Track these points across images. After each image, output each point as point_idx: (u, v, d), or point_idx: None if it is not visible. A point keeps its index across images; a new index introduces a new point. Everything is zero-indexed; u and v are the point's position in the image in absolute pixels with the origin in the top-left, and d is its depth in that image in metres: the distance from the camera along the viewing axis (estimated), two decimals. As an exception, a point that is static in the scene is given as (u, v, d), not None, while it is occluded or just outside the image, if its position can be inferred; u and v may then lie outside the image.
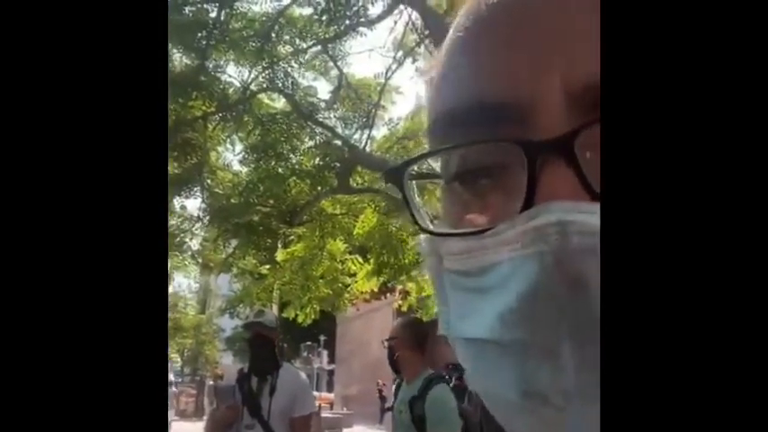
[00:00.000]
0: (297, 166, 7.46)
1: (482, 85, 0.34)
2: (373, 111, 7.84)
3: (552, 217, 0.30)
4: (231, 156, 20.64)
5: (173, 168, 6.97)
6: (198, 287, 32.59)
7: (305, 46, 7.31)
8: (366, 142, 7.84)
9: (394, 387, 3.33)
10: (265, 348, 3.13)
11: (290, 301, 8.92)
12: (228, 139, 8.08)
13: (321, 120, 7.57)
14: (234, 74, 7.49)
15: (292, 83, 7.29)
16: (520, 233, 0.31)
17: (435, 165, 0.38)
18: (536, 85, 0.32)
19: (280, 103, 7.81)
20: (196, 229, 8.97)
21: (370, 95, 7.90)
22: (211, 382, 12.51)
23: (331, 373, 27.48)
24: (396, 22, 7.94)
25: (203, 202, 8.11)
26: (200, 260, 10.77)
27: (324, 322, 16.09)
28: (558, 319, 0.30)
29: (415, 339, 2.94)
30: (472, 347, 0.35)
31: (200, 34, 6.53)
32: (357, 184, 7.60)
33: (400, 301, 10.51)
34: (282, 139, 7.33)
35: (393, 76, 7.93)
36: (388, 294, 14.43)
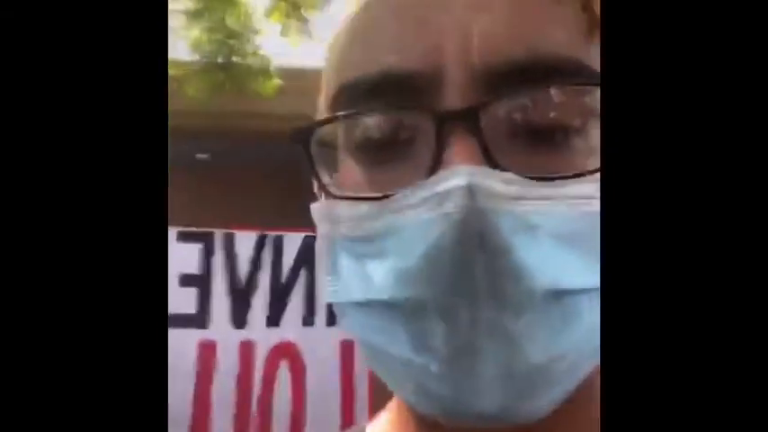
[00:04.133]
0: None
1: (390, 56, 0.35)
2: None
3: (461, 180, 0.31)
4: None
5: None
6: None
7: None
8: None
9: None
10: None
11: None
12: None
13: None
14: None
15: None
16: (427, 196, 0.32)
17: (339, 132, 0.38)
18: (443, 58, 0.33)
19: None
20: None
21: None
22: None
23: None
24: None
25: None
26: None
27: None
28: (458, 278, 0.31)
29: None
30: (362, 310, 0.36)
31: None
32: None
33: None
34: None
35: None
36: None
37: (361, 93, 0.36)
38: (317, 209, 0.39)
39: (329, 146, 0.38)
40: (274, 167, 3.46)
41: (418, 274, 0.32)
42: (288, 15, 3.71)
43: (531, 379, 0.34)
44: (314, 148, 0.37)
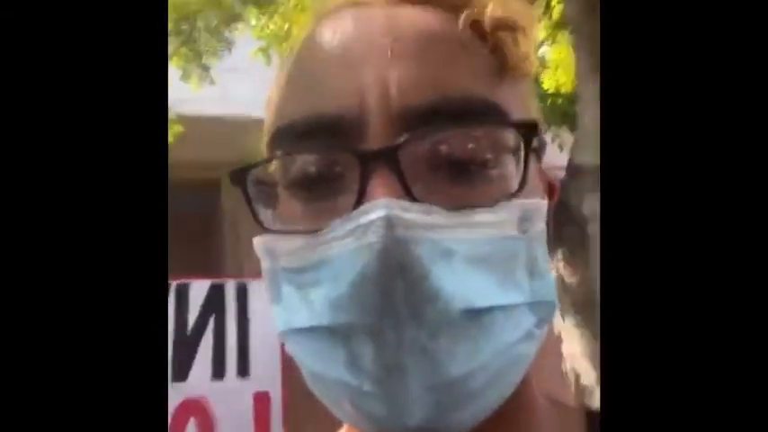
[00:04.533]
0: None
1: (319, 102, 0.39)
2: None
3: (381, 212, 0.35)
4: None
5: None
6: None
7: None
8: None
9: None
10: None
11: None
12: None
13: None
14: None
15: None
16: (352, 228, 0.36)
17: (275, 171, 0.41)
18: (365, 102, 0.38)
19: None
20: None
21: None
22: None
23: None
24: None
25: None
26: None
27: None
28: (383, 303, 0.35)
29: None
30: (304, 335, 0.39)
31: None
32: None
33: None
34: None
35: None
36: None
37: (294, 135, 0.39)
38: (259, 243, 0.41)
39: (268, 184, 0.41)
40: (178, 215, 3.02)
41: (348, 301, 0.36)
42: (188, 60, 3.67)
43: (452, 393, 0.37)
44: (251, 188, 0.40)
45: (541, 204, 0.40)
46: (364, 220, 0.35)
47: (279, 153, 0.40)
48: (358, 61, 0.39)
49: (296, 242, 0.38)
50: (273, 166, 0.41)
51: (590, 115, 2.08)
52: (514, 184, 0.38)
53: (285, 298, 0.40)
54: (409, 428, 0.37)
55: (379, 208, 0.35)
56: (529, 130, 0.38)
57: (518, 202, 0.38)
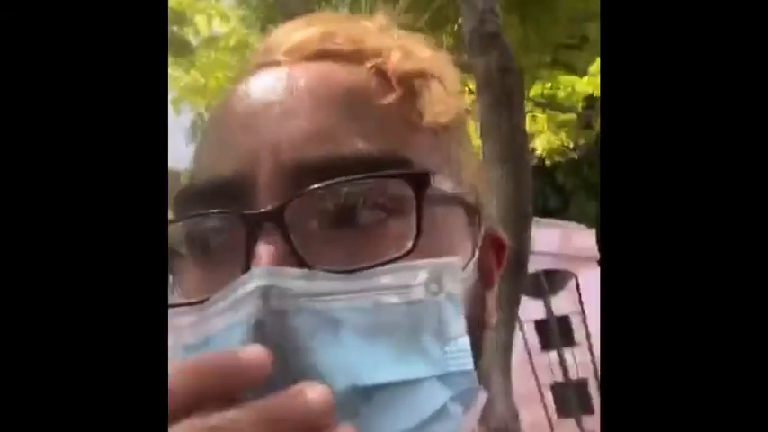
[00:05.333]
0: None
1: (220, 163, 0.37)
2: None
3: (256, 283, 0.32)
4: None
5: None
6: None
7: None
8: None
9: None
10: None
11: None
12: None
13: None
14: None
15: None
16: (231, 302, 0.33)
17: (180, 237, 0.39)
18: (256, 162, 0.36)
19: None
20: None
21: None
22: None
23: None
24: None
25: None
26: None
27: None
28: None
29: None
30: None
31: None
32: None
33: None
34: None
35: None
36: None
37: (195, 198, 0.37)
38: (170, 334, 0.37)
39: (176, 254, 0.39)
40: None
41: None
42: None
43: None
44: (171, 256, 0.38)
45: (453, 263, 0.36)
46: (241, 291, 0.33)
47: (176, 218, 0.38)
48: (257, 121, 0.37)
49: (189, 317, 0.36)
50: (178, 229, 0.38)
51: (494, 204, 2.20)
52: (410, 243, 0.35)
53: None
54: None
55: (255, 278, 0.32)
56: (420, 180, 0.36)
57: (425, 262, 0.35)
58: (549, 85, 4.98)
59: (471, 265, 0.39)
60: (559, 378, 5.53)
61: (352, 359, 0.32)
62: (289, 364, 0.31)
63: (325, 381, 0.31)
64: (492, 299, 0.43)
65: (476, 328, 0.39)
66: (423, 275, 0.34)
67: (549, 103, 5.04)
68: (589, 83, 4.82)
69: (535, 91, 4.88)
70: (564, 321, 6.38)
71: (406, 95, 0.39)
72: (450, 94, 0.41)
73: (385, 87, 0.39)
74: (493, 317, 0.43)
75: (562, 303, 6.29)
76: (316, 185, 0.35)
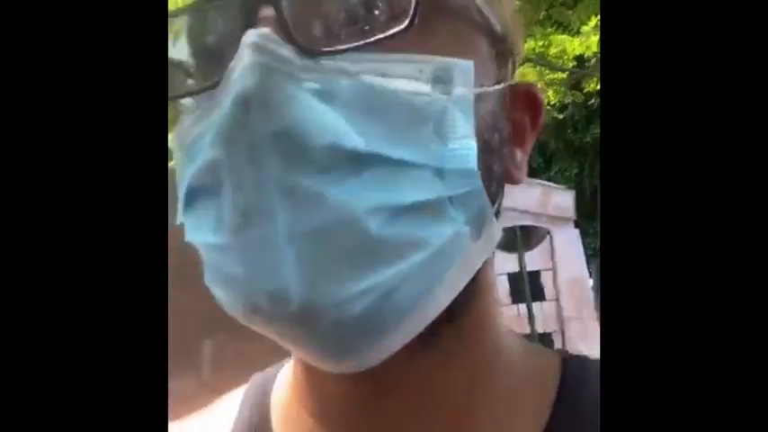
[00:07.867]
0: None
1: None
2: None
3: (251, 38, 0.31)
4: None
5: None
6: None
7: None
8: None
9: None
10: None
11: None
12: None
13: None
14: None
15: None
16: (225, 75, 0.32)
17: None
18: None
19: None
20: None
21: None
22: None
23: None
24: None
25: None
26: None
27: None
28: (241, 135, 0.30)
29: None
30: (192, 208, 0.35)
31: None
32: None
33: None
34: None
35: None
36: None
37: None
38: (173, 136, 0.37)
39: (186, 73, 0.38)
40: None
41: (215, 138, 0.32)
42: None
43: (329, 246, 0.31)
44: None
45: (464, 65, 0.34)
46: (236, 62, 0.31)
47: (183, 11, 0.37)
48: None
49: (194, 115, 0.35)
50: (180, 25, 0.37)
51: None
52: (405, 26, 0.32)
53: (184, 177, 0.35)
54: (274, 294, 0.31)
55: (252, 36, 0.31)
56: None
57: (432, 57, 0.33)
58: (540, 43, 4.95)
59: (495, 92, 0.37)
60: (526, 330, 5.68)
61: (338, 124, 0.31)
62: (267, 117, 0.30)
63: (302, 134, 0.30)
64: (524, 160, 0.41)
65: (499, 175, 0.38)
66: (429, 70, 0.33)
67: (539, 60, 5.00)
68: (581, 43, 4.80)
69: (528, 46, 4.87)
70: (535, 277, 6.51)
71: None
72: None
73: None
74: (522, 174, 0.40)
75: (535, 259, 6.40)
76: None
